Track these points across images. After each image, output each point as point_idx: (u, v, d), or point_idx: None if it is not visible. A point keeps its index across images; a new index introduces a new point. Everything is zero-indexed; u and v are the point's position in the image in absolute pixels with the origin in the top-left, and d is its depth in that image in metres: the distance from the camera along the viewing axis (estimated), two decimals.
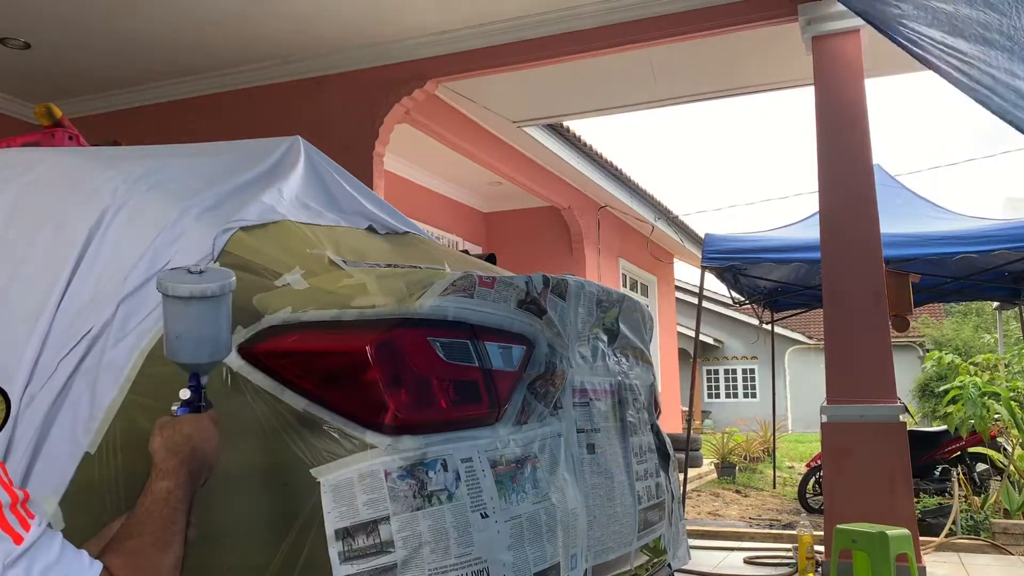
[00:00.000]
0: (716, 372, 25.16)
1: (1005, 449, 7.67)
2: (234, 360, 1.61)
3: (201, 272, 1.42)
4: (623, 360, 2.33)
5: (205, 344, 1.40)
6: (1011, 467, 7.07)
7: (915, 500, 5.73)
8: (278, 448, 1.53)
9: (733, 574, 5.17)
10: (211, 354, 1.42)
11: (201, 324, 1.38)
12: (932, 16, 2.45)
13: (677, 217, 12.07)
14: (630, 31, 5.55)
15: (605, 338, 2.20)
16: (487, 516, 1.56)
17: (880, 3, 2.83)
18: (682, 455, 7.07)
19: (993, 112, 2.38)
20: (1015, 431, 7.48)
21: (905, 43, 2.89)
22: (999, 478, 7.22)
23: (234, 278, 1.44)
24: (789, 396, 22.06)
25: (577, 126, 8.72)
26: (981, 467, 7.94)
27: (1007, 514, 6.44)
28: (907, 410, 5.14)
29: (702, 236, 8.07)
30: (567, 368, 1.92)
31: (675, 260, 14.06)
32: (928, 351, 16.36)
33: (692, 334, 9.39)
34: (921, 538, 5.30)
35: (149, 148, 2.41)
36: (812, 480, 8.16)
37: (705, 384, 24.99)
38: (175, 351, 1.40)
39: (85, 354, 1.67)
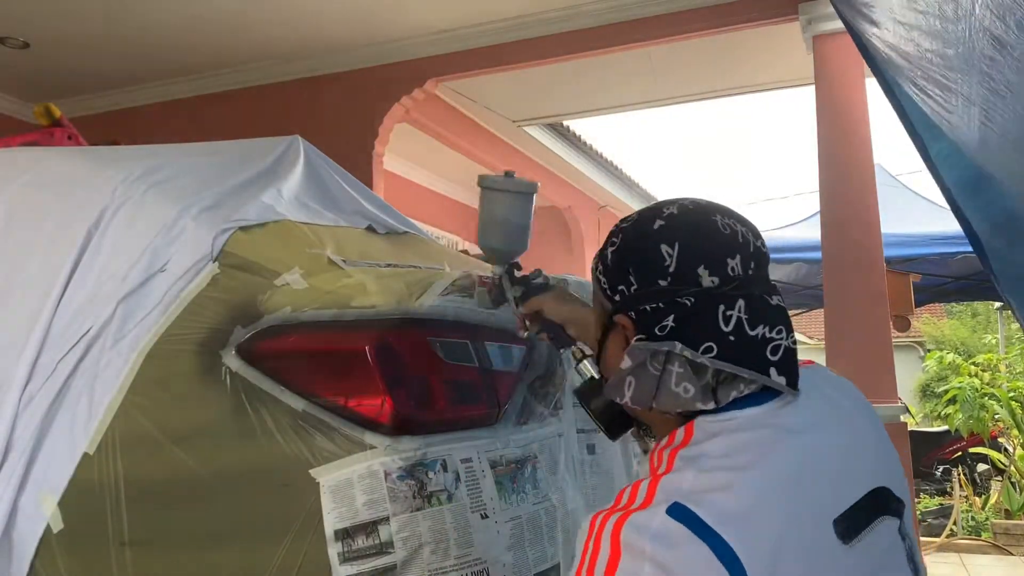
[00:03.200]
0: None
1: (1006, 449, 7.67)
2: (233, 360, 1.61)
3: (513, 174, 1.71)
4: None
5: (522, 232, 1.71)
6: (1012, 467, 7.06)
7: (916, 501, 5.72)
8: (277, 448, 1.53)
9: None
10: (521, 243, 1.70)
11: (523, 213, 1.72)
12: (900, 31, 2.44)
13: None
14: (630, 31, 5.54)
15: None
16: (487, 517, 1.55)
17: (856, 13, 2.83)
18: None
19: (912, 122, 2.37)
20: (1016, 431, 7.48)
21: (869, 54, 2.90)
22: (1000, 478, 7.22)
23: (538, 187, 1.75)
24: None
25: (577, 126, 8.72)
26: (982, 467, 7.95)
27: (1008, 514, 6.43)
28: (908, 410, 5.14)
29: None
30: (567, 368, 1.92)
31: None
32: (928, 351, 16.36)
33: None
34: (922, 539, 5.30)
35: (148, 148, 2.41)
36: None
37: None
38: (499, 237, 1.69)
39: (84, 354, 1.67)
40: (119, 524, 1.55)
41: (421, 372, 1.60)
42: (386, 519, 1.47)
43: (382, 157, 6.23)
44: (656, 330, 1.00)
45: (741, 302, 0.99)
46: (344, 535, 1.46)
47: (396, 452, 1.51)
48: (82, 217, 1.86)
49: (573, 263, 9.98)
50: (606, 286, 1.08)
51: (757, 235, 1.05)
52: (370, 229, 2.38)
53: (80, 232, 1.83)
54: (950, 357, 9.63)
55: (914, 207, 7.65)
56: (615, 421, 1.23)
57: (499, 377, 1.73)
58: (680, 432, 1.00)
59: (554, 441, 1.82)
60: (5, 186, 2.05)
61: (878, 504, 1.00)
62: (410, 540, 1.46)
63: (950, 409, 7.51)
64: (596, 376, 1.27)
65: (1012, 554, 5.68)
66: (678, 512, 0.87)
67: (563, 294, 1.55)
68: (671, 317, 0.99)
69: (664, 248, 1.01)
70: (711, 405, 0.98)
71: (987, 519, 6.44)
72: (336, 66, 6.26)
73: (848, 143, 5.08)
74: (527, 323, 1.54)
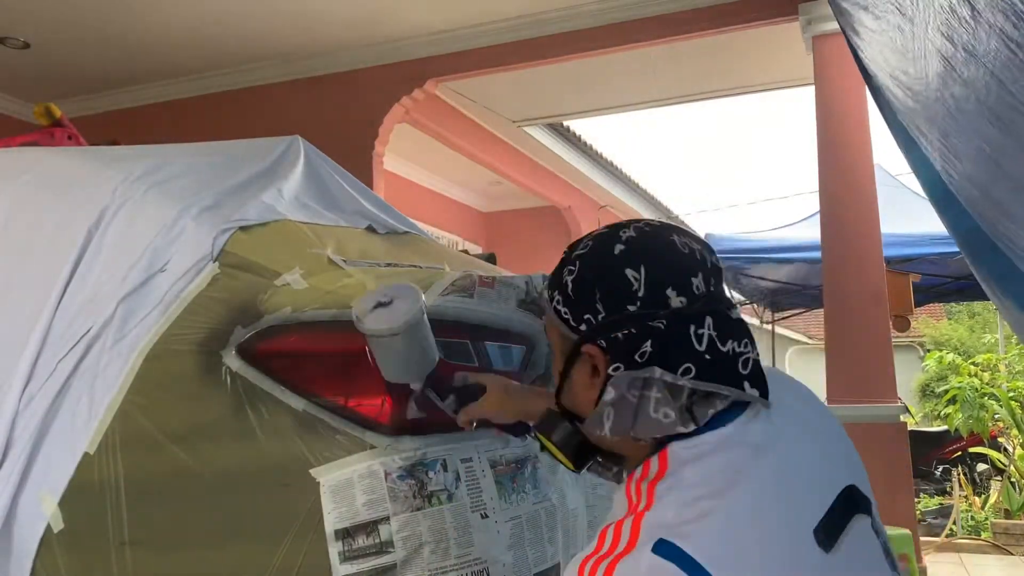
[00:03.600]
0: None
1: (1006, 449, 7.68)
2: (234, 360, 1.61)
3: (390, 303, 1.45)
4: None
5: (423, 355, 1.48)
6: (1012, 467, 7.06)
7: (916, 500, 5.72)
8: (277, 448, 1.53)
9: None
10: (429, 362, 1.49)
11: (407, 352, 1.47)
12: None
13: (677, 217, 12.07)
14: (630, 31, 5.54)
15: None
16: (487, 516, 1.56)
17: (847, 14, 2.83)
18: None
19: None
20: (1015, 431, 7.48)
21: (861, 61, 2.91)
22: (1000, 478, 7.22)
23: (423, 300, 1.46)
24: None
25: (577, 126, 8.72)
26: (982, 467, 7.95)
27: (1008, 514, 6.44)
28: (907, 410, 5.14)
29: (702, 236, 8.06)
30: None
31: None
32: (928, 351, 16.35)
33: None
34: (922, 538, 5.30)
35: (149, 148, 2.41)
36: None
37: None
38: (402, 373, 1.50)
39: (84, 354, 1.67)
40: (119, 524, 1.55)
41: None
42: (386, 519, 1.47)
43: (382, 157, 6.23)
44: (636, 357, 0.98)
45: (709, 319, 0.99)
46: (344, 535, 1.46)
47: (396, 452, 1.51)
48: (82, 217, 1.86)
49: None
50: (568, 316, 1.04)
51: (711, 251, 1.05)
52: (370, 229, 2.38)
53: (80, 232, 1.83)
54: (950, 357, 9.63)
55: (914, 207, 7.64)
56: (579, 452, 1.13)
57: None
58: (654, 462, 0.98)
59: None
60: (5, 186, 2.05)
61: (849, 503, 1.00)
62: (410, 540, 1.46)
63: (950, 409, 7.51)
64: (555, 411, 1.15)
65: (1012, 554, 5.68)
66: (664, 549, 0.87)
67: (503, 389, 1.44)
68: (648, 342, 0.97)
69: (630, 272, 0.99)
70: (691, 427, 0.98)
71: (987, 519, 6.45)
72: (336, 66, 6.27)
73: (848, 143, 5.09)
74: (474, 425, 1.47)
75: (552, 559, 1.68)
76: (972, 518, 6.53)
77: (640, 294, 0.99)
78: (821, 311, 5.34)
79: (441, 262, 2.17)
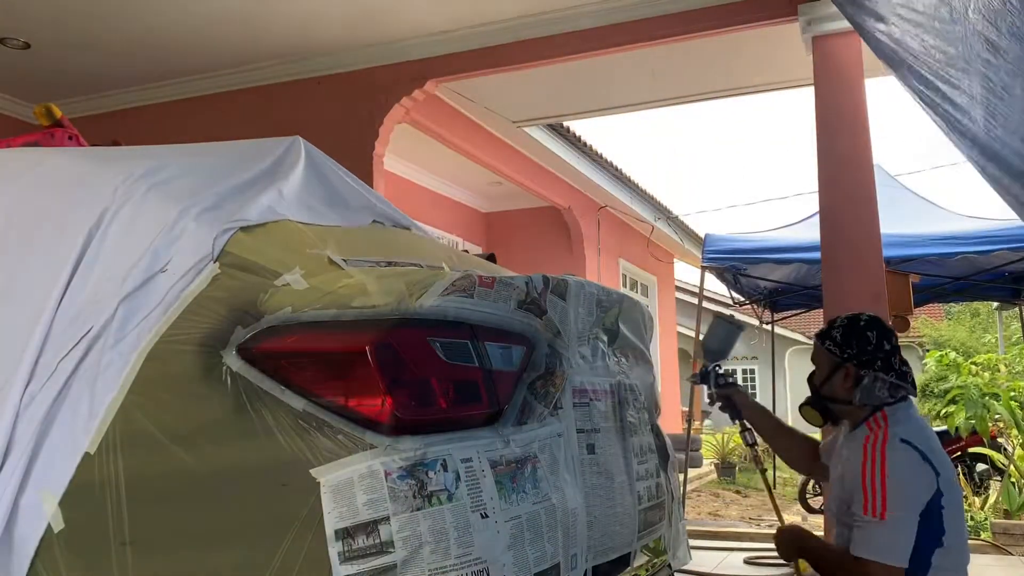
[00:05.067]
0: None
1: (1005, 449, 7.67)
2: (234, 360, 1.61)
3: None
4: (623, 360, 2.32)
5: (729, 350, 3.10)
6: (1011, 467, 7.06)
7: None
8: (278, 448, 1.53)
9: (733, 574, 5.17)
10: (725, 355, 3.09)
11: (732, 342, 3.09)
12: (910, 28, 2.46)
13: (677, 217, 12.07)
14: (630, 31, 5.54)
15: (605, 338, 2.20)
16: (487, 516, 1.56)
17: (863, 11, 2.84)
18: (682, 455, 7.06)
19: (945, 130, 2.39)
20: (1015, 431, 7.48)
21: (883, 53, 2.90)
22: (999, 478, 7.22)
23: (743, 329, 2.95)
24: (789, 396, 22.02)
25: (577, 126, 8.72)
26: (981, 467, 7.94)
27: (1007, 514, 6.43)
28: None
29: (702, 236, 8.06)
30: (567, 368, 1.92)
31: (675, 260, 14.06)
32: (928, 351, 16.35)
33: (692, 334, 9.39)
34: None
35: (149, 148, 2.41)
36: (812, 481, 8.15)
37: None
38: (717, 351, 3.06)
39: (85, 354, 1.67)
40: (120, 523, 1.55)
41: (421, 372, 1.61)
42: (386, 518, 1.47)
43: (382, 157, 6.22)
44: (872, 369, 2.37)
45: (896, 356, 2.41)
46: (344, 534, 1.46)
47: (396, 452, 1.51)
48: (83, 217, 1.86)
49: (573, 263, 9.97)
50: (835, 349, 2.43)
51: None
52: (376, 223, 2.38)
53: (81, 232, 1.83)
54: (951, 356, 9.62)
55: (913, 207, 7.65)
56: (824, 415, 2.49)
57: (499, 377, 1.73)
58: (880, 417, 2.33)
59: (554, 441, 1.82)
60: (6, 186, 2.05)
61: None
62: (410, 539, 1.47)
63: (950, 409, 7.51)
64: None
65: (1011, 554, 5.68)
66: (902, 442, 2.24)
67: (743, 392, 2.92)
68: (878, 363, 2.37)
69: (869, 333, 2.41)
70: (890, 400, 2.36)
71: (986, 519, 6.45)
72: (337, 67, 6.26)
73: (847, 143, 5.08)
74: (717, 400, 2.94)
75: (552, 559, 1.68)
76: (972, 518, 6.52)
77: (874, 342, 2.40)
78: (821, 311, 5.33)
79: (441, 262, 2.17)
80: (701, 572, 5.04)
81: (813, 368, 2.52)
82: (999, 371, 9.19)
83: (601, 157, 9.46)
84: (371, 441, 1.52)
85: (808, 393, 2.53)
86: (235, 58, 6.25)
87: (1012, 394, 7.60)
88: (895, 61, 2.64)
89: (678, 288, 15.29)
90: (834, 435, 2.57)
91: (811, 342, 2.54)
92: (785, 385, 22.04)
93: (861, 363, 2.34)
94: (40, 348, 1.69)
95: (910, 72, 2.52)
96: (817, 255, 5.34)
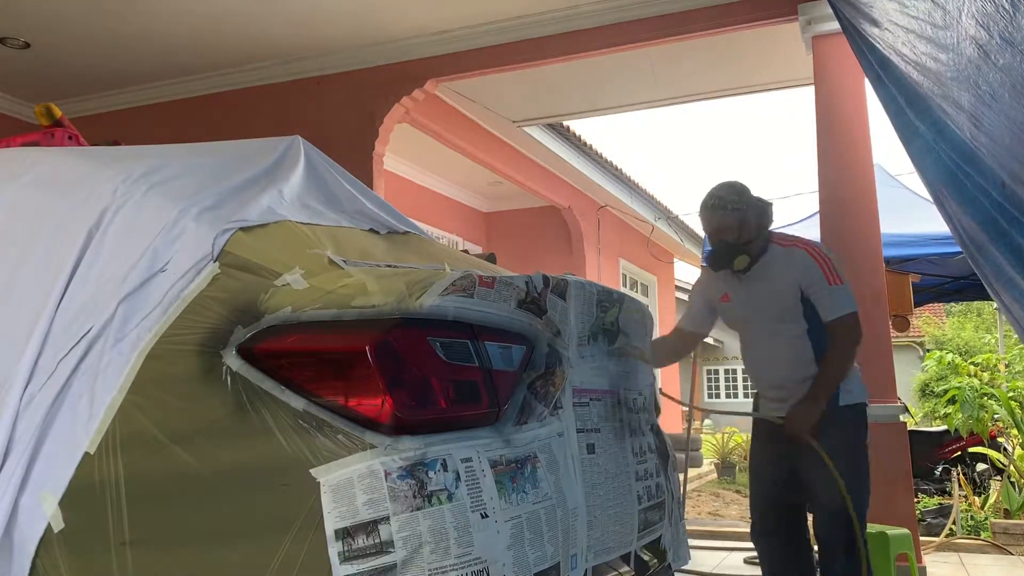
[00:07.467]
0: (716, 372, 25.14)
1: (1005, 449, 7.68)
2: (234, 360, 1.61)
3: None
4: (623, 360, 2.32)
5: None
6: (1011, 467, 7.06)
7: (915, 500, 5.73)
8: (278, 448, 1.53)
9: (733, 574, 5.17)
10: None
11: None
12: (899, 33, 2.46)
13: (677, 217, 12.07)
14: (630, 31, 5.54)
15: (605, 338, 2.20)
16: (487, 516, 1.56)
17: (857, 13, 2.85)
18: (682, 455, 7.06)
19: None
20: (1015, 431, 7.48)
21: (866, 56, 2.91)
22: (999, 478, 7.22)
23: None
24: None
25: (577, 126, 8.72)
26: (981, 467, 7.94)
27: (1007, 514, 6.44)
28: (907, 410, 5.14)
29: (702, 236, 8.05)
30: (567, 368, 1.92)
31: (675, 260, 14.06)
32: (928, 351, 16.36)
33: None
34: (921, 538, 5.30)
35: (149, 148, 2.41)
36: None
37: (705, 384, 24.95)
38: None
39: (85, 354, 1.67)
40: (120, 523, 1.55)
41: (421, 372, 1.61)
42: (386, 518, 1.47)
43: (382, 157, 6.23)
44: (759, 205, 3.29)
45: None
46: (344, 534, 1.46)
47: (396, 452, 1.51)
48: (83, 217, 1.86)
49: (573, 263, 9.98)
50: (740, 205, 3.15)
51: None
52: (371, 231, 2.38)
53: (81, 232, 1.83)
54: (950, 357, 9.62)
55: (914, 207, 7.64)
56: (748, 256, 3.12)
57: (499, 377, 1.73)
58: (779, 239, 3.16)
59: (554, 441, 1.82)
60: (6, 186, 2.05)
61: None
62: (410, 539, 1.47)
63: (950, 409, 7.51)
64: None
65: (1011, 554, 5.68)
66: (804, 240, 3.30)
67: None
68: (757, 200, 3.26)
69: (742, 187, 3.22)
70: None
71: (986, 519, 6.45)
72: (336, 66, 6.26)
73: (848, 143, 5.08)
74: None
75: (552, 559, 1.68)
76: (972, 518, 6.52)
77: (747, 190, 3.17)
78: None
79: (441, 262, 2.17)
80: (701, 572, 5.04)
81: (721, 239, 3.16)
82: (999, 371, 9.19)
83: (601, 157, 9.46)
84: (371, 441, 1.52)
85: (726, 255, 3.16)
86: (235, 58, 6.25)
87: (1012, 394, 7.60)
88: (888, 65, 2.64)
89: (678, 288, 15.28)
90: (706, 297, 3.41)
91: None
92: None
93: (753, 206, 3.18)
94: (40, 348, 1.69)
95: (897, 80, 2.52)
96: None
